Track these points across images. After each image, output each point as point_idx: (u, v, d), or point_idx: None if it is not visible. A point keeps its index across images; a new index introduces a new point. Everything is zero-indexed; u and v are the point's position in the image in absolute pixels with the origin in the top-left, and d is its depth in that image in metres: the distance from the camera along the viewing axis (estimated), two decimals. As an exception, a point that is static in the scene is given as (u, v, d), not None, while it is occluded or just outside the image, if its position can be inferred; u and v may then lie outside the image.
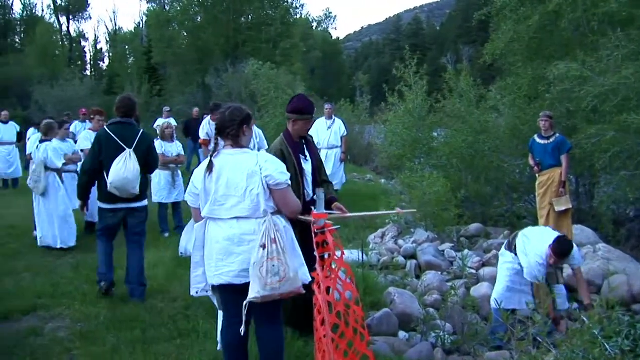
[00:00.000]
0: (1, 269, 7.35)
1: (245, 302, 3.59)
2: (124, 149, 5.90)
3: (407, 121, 12.42)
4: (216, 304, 4.07)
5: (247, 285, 3.59)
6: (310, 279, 3.75)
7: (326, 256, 3.67)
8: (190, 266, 3.99)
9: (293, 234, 3.82)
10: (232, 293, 3.73)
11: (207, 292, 3.98)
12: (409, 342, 5.67)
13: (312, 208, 4.30)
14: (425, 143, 12.14)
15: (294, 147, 4.84)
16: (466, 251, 8.35)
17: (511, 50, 11.69)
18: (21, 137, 14.84)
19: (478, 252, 8.60)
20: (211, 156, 3.81)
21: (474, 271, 7.81)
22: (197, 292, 3.99)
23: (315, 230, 3.60)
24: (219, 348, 4.22)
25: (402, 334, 5.84)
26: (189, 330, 5.15)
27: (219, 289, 3.86)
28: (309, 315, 3.94)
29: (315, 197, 4.47)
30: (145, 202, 6.30)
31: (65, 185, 8.90)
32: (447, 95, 12.83)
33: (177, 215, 9.39)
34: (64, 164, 8.86)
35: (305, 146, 4.99)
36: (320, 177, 5.03)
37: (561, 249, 5.67)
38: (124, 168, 5.81)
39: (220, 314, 4.10)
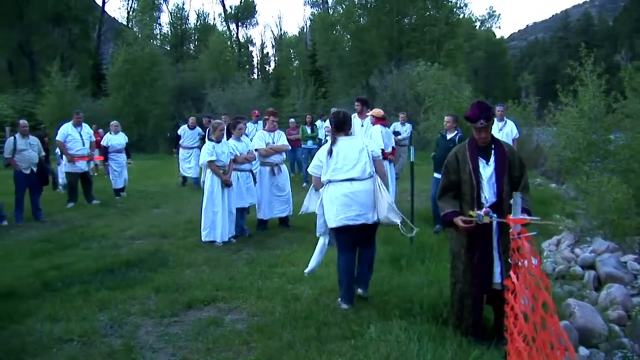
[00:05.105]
0: (183, 261, 7.82)
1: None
2: None
3: (582, 123, 11.63)
4: (329, 240, 6.02)
5: (361, 225, 5.66)
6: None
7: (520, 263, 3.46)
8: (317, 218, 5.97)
9: None
10: (351, 232, 5.71)
11: (325, 233, 5.99)
12: (591, 359, 5.27)
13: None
14: (601, 146, 11.29)
15: (473, 151, 4.98)
16: (652, 264, 7.64)
17: None
18: (204, 141, 15.56)
19: (664, 265, 7.83)
20: (332, 144, 5.83)
21: (661, 287, 7.12)
22: (319, 234, 6.09)
23: (513, 236, 3.42)
24: (306, 272, 6.23)
25: (583, 350, 5.44)
26: (362, 331, 5.10)
27: (342, 230, 5.72)
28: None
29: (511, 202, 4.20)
30: None
31: (240, 184, 9.28)
32: (627, 95, 11.82)
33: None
34: (239, 163, 9.23)
35: (494, 151, 5.00)
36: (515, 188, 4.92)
37: None
38: None
39: (319, 246, 6.09)
